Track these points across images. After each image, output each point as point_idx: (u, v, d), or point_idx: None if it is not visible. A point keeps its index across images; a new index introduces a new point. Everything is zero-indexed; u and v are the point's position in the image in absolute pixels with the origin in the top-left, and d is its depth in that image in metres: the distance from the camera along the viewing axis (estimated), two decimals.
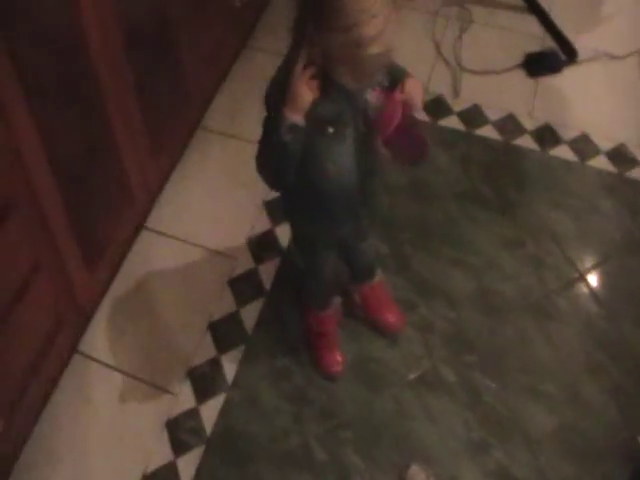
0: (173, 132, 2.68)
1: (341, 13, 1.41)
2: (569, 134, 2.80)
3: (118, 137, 2.27)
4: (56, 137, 1.98)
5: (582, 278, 2.45)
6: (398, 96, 1.61)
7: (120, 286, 2.48)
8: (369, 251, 2.28)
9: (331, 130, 1.63)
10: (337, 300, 2.31)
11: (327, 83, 1.55)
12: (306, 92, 1.54)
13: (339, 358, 2.30)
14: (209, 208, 2.66)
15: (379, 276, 2.35)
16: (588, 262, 2.49)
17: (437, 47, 3.11)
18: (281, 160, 1.65)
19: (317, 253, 2.08)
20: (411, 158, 1.68)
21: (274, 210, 2.61)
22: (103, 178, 2.28)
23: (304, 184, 1.75)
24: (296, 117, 1.56)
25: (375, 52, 1.46)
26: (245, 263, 2.52)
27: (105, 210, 2.32)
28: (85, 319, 2.38)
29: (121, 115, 2.25)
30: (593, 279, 2.45)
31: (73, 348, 2.34)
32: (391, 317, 2.35)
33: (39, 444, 2.19)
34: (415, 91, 1.67)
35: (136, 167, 2.41)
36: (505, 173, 2.70)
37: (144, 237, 2.58)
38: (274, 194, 2.53)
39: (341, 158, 1.69)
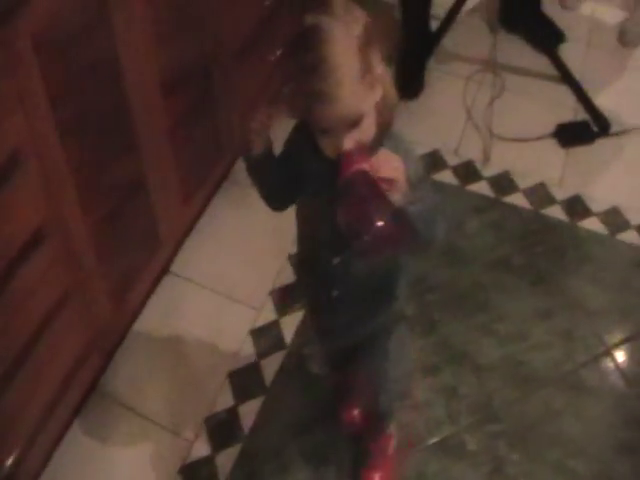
0: (203, 179, 2.66)
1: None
2: (599, 206, 2.78)
3: (149, 179, 2.26)
4: (88, 173, 1.97)
5: (610, 354, 2.40)
6: (360, 154, 1.41)
7: (143, 326, 2.45)
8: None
9: (309, 187, 1.59)
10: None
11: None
12: (252, 129, 1.56)
13: (356, 413, 2.23)
14: (234, 256, 2.63)
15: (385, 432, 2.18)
16: (617, 337, 2.44)
17: (468, 112, 3.11)
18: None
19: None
20: (352, 230, 1.40)
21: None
22: (132, 218, 2.26)
23: None
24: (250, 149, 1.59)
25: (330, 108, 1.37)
26: (268, 314, 2.49)
27: (132, 249, 2.30)
28: (107, 357, 2.35)
29: (154, 158, 2.25)
30: (621, 355, 2.41)
31: (93, 385, 2.30)
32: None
33: None
34: (383, 161, 1.39)
35: (165, 210, 2.39)
36: (535, 242, 2.67)
37: (169, 280, 2.56)
38: None
39: (313, 218, 1.65)
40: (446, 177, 2.87)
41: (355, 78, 1.36)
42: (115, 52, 1.95)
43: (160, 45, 2.12)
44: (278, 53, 2.79)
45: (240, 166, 2.80)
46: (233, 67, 2.55)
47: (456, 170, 2.90)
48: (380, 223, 1.34)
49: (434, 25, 3.30)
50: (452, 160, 2.93)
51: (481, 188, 2.85)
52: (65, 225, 1.92)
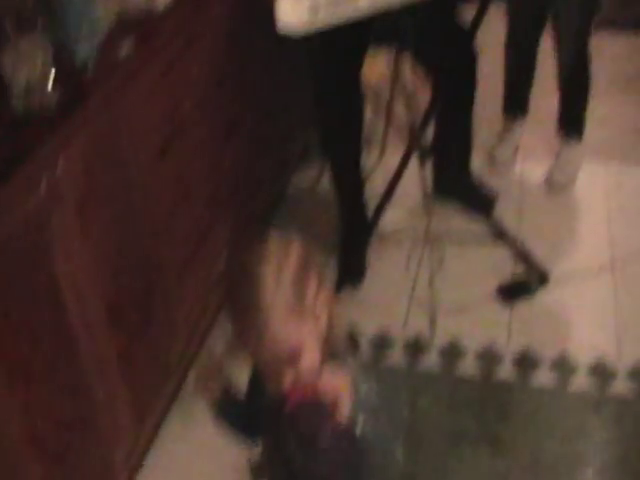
0: (154, 400, 2.67)
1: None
2: (548, 355, 2.79)
3: (99, 409, 2.27)
4: (37, 412, 1.99)
5: None
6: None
7: None
8: None
9: (263, 424, 1.60)
10: None
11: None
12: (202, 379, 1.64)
13: None
14: (194, 470, 2.60)
15: None
16: None
17: (411, 288, 3.15)
18: None
19: None
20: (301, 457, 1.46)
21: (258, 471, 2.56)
22: (84, 451, 2.25)
23: None
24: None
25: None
26: None
27: None
28: None
29: (103, 387, 2.27)
30: None
31: None
32: None
33: None
34: (327, 383, 1.41)
35: (117, 438, 2.39)
36: (488, 406, 2.66)
37: None
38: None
39: (271, 455, 1.66)
40: (395, 355, 2.89)
41: (286, 314, 1.35)
42: (56, 284, 1.99)
43: (100, 273, 2.18)
44: (215, 274, 2.88)
45: (192, 378, 2.85)
46: (173, 285, 2.63)
47: (405, 347, 2.92)
48: (326, 446, 1.38)
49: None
50: (400, 338, 2.95)
51: (430, 360, 2.86)
52: (14, 468, 1.92)
